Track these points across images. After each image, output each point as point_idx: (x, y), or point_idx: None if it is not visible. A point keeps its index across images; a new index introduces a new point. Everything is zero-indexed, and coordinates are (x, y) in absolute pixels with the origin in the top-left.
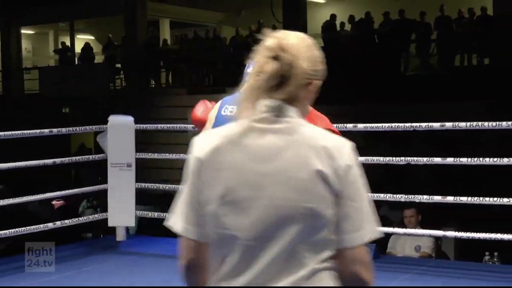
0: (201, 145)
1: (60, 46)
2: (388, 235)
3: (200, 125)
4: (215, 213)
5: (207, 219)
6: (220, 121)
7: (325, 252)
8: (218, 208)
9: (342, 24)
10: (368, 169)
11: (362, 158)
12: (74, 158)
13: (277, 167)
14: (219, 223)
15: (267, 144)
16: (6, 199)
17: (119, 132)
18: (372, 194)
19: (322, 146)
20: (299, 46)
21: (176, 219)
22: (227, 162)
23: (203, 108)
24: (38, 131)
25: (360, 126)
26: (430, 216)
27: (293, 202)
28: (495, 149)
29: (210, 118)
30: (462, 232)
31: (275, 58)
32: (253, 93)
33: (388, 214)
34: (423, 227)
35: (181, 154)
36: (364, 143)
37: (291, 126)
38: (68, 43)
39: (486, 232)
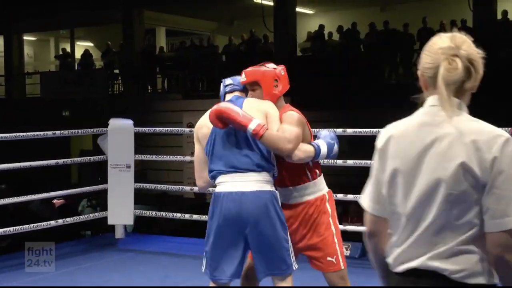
0: (381, 135)
1: (60, 52)
2: None
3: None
4: (388, 193)
5: (384, 197)
6: (218, 130)
7: (468, 233)
8: (389, 189)
9: (330, 34)
10: (355, 171)
11: (351, 162)
12: (76, 159)
13: (432, 156)
14: (390, 202)
15: (428, 135)
16: (9, 198)
17: (119, 135)
18: (357, 196)
19: (472, 140)
20: (469, 44)
21: (364, 197)
22: (396, 150)
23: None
24: (42, 133)
25: (349, 130)
26: None
27: (441, 188)
28: None
29: (203, 127)
30: None
31: (458, 56)
32: (447, 89)
33: None
34: None
35: (178, 156)
36: (349, 148)
37: (452, 120)
38: (68, 50)
39: None
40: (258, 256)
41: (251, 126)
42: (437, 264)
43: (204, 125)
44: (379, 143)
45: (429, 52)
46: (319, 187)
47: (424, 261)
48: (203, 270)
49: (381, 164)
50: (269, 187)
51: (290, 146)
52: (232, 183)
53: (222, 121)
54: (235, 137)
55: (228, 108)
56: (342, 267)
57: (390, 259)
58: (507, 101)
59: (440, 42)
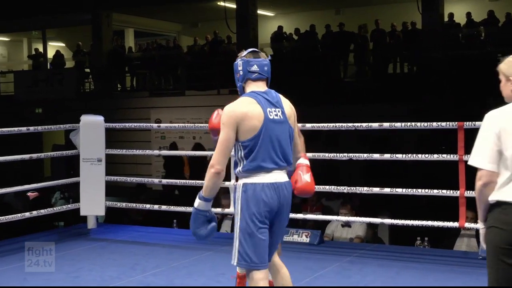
0: (502, 118)
1: (33, 52)
2: (325, 223)
3: (216, 131)
4: (509, 156)
5: (501, 158)
6: (268, 125)
7: None
8: (509, 153)
9: (289, 35)
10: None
11: (310, 154)
12: (49, 153)
13: None
14: (510, 161)
15: None
16: None
17: (91, 130)
18: (317, 186)
19: None
20: None
21: (479, 160)
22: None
23: (219, 117)
24: (16, 128)
25: (308, 125)
26: (366, 206)
27: None
28: (412, 148)
29: (252, 119)
30: (397, 220)
31: None
32: None
33: (330, 204)
34: (360, 216)
35: (146, 150)
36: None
37: None
38: (41, 50)
39: (416, 219)
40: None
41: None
42: None
43: (252, 117)
44: (501, 123)
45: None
46: None
47: None
48: (235, 263)
49: (504, 138)
50: None
51: None
52: (274, 174)
53: None
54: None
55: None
56: None
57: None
58: (456, 96)
59: None
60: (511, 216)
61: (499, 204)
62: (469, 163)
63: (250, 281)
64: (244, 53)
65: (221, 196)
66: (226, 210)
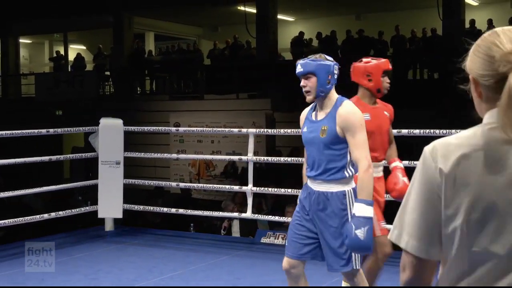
0: (442, 155)
1: (54, 55)
2: None
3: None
4: (460, 231)
5: (445, 237)
6: None
7: None
8: (463, 224)
9: (310, 40)
10: None
11: None
12: (68, 156)
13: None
14: (464, 241)
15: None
16: (4, 192)
17: (109, 133)
18: None
19: None
20: None
21: (404, 236)
22: (471, 175)
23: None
24: (36, 130)
25: None
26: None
27: None
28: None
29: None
30: None
31: None
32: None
33: None
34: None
35: (165, 154)
36: None
37: None
38: (62, 52)
39: None
40: None
41: None
42: None
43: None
44: (444, 166)
45: (486, 55)
46: None
47: None
48: (357, 266)
49: (447, 194)
50: None
51: None
52: None
53: None
54: None
55: None
56: None
57: None
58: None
59: (499, 43)
60: None
61: None
62: (388, 236)
63: (359, 278)
64: (329, 57)
65: (222, 204)
66: (243, 215)
